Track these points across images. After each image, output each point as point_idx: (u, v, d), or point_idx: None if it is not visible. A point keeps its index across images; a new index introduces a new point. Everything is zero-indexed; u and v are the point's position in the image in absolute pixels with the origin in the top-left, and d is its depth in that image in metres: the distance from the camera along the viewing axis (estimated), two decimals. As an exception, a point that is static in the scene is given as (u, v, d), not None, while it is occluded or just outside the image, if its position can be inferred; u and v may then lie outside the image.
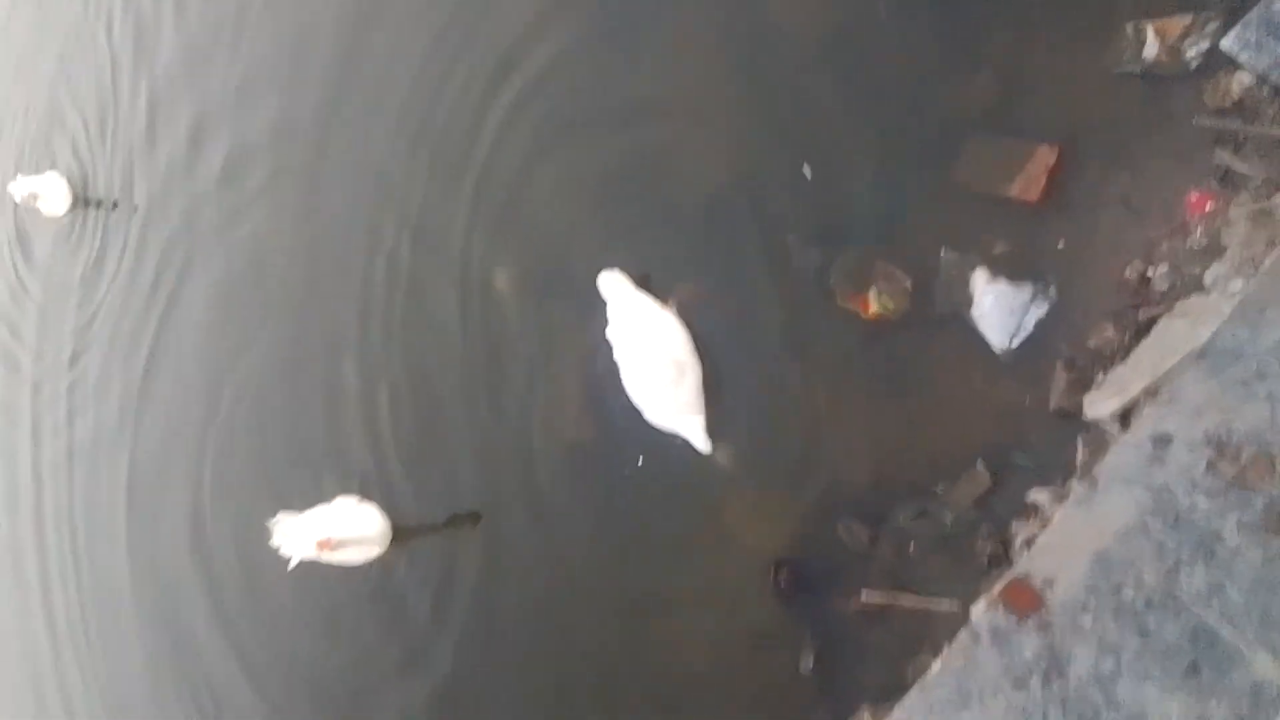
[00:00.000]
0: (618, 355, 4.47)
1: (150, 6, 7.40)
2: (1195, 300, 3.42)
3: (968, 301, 3.96)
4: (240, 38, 6.59)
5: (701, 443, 4.24)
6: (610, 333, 4.50)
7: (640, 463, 4.56)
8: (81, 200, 7.56)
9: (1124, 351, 3.61)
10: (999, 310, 3.90)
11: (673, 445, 4.37)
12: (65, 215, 7.56)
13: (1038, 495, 3.75)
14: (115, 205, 7.33)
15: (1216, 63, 3.51)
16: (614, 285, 4.47)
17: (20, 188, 7.56)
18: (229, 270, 6.53)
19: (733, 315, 4.43)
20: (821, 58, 4.33)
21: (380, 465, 5.48)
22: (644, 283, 4.54)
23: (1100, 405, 3.58)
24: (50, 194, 7.46)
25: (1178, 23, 3.59)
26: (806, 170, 4.29)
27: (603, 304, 4.59)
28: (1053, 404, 3.76)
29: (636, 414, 4.42)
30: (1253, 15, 3.40)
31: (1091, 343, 3.70)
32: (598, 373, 4.61)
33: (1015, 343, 3.87)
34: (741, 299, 4.41)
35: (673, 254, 4.62)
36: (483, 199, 5.23)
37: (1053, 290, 3.83)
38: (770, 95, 4.44)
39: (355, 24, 5.96)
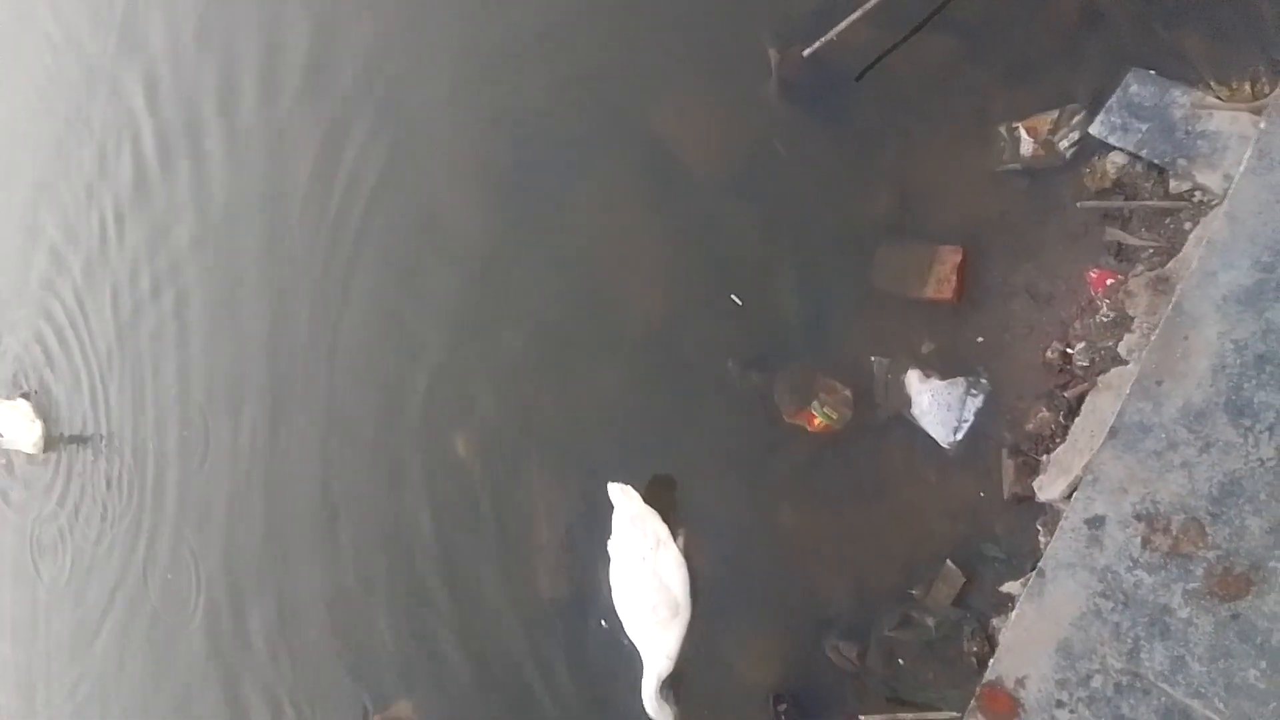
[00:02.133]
0: (615, 569, 4.43)
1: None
2: (1115, 372, 3.50)
3: (907, 402, 4.05)
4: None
5: (651, 698, 4.20)
6: (612, 544, 4.46)
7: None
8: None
9: (1061, 431, 3.67)
10: (938, 407, 3.98)
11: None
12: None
13: (1011, 586, 3.73)
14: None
15: (1090, 148, 3.71)
16: (623, 497, 4.42)
17: None
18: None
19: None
20: (732, 195, 4.55)
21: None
22: (661, 498, 4.48)
23: (1050, 488, 3.62)
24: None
25: (1045, 119, 3.80)
26: (735, 299, 4.44)
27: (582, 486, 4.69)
28: (1006, 492, 3.79)
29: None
30: (1114, 101, 3.62)
31: (1030, 426, 3.76)
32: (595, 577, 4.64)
33: (959, 435, 3.93)
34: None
35: (613, 386, 4.76)
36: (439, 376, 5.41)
37: (985, 380, 3.91)
38: (690, 235, 4.65)
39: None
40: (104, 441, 7.19)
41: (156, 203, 6.84)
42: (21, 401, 7.69)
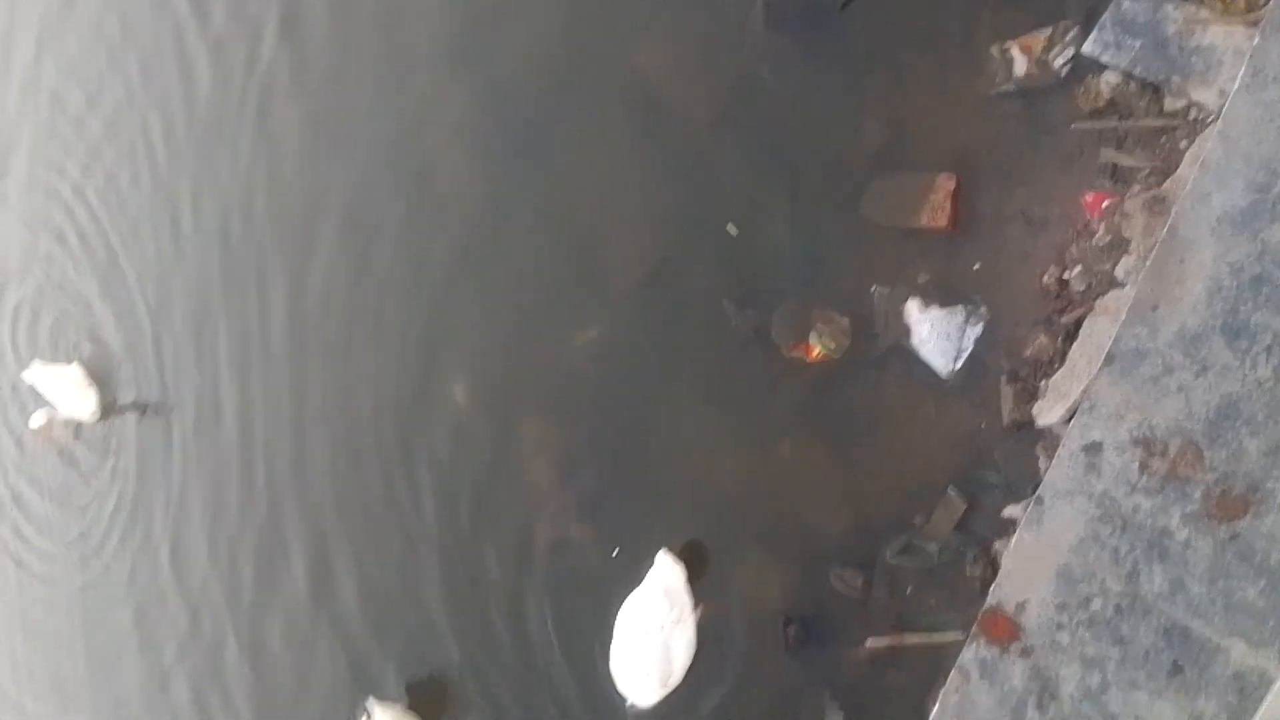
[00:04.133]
0: (626, 624, 4.45)
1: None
2: (1112, 296, 3.49)
3: (906, 332, 4.04)
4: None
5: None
6: (634, 600, 4.45)
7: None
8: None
9: (1060, 356, 3.66)
10: (937, 336, 3.97)
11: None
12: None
13: (1012, 510, 3.77)
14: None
15: (1084, 67, 3.62)
16: (669, 567, 4.39)
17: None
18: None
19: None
20: (720, 131, 4.48)
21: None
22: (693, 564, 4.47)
23: (1048, 414, 3.63)
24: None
25: (1038, 37, 3.71)
26: (731, 228, 4.41)
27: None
28: (1005, 419, 3.81)
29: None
30: (1106, 17, 3.52)
31: (1028, 353, 3.76)
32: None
33: (959, 364, 3.93)
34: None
35: (608, 332, 4.77)
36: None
37: (983, 308, 3.90)
38: (679, 174, 4.58)
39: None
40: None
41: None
42: (72, 367, 7.03)
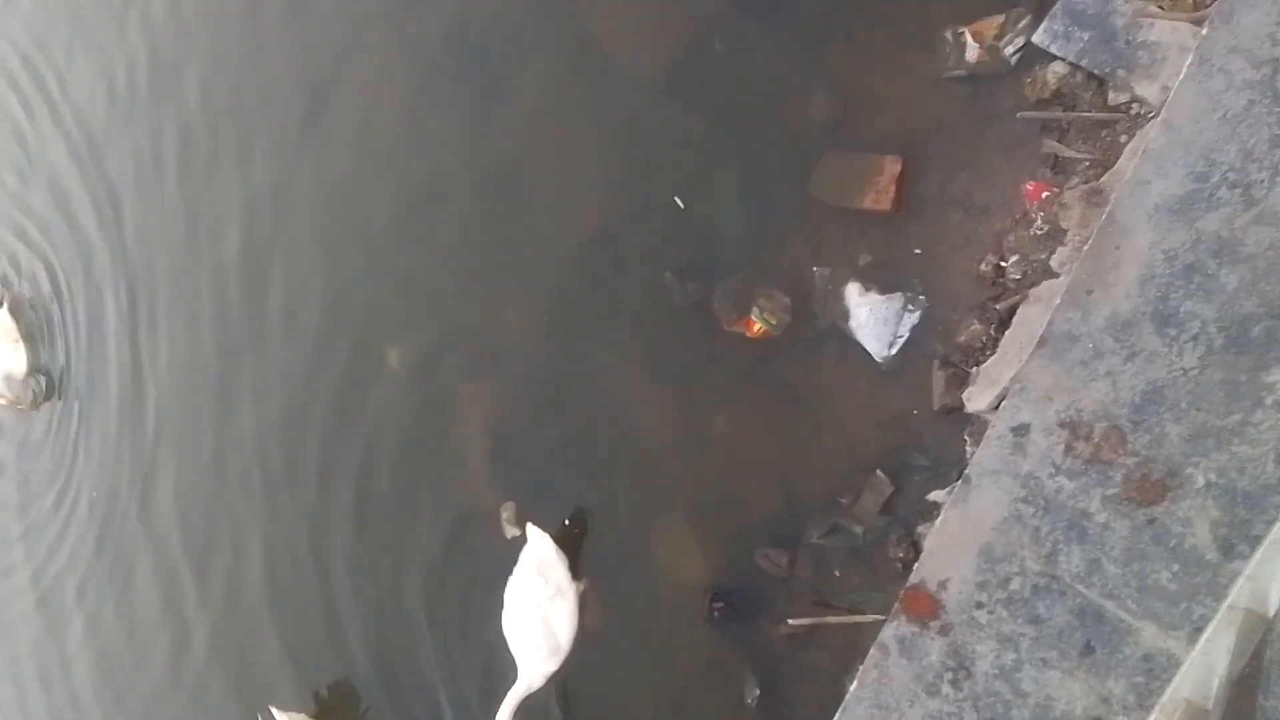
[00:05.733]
0: (510, 602, 4.47)
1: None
2: (1046, 285, 3.53)
3: (845, 314, 4.05)
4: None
5: (509, 706, 4.30)
6: (513, 581, 4.48)
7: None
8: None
9: (991, 343, 3.70)
10: (875, 320, 3.99)
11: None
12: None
13: (937, 494, 3.80)
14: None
15: (1033, 56, 3.65)
16: (539, 541, 4.45)
17: None
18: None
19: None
20: (669, 97, 4.42)
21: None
22: (570, 537, 4.54)
23: (978, 399, 3.67)
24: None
25: (992, 24, 3.73)
26: (678, 201, 4.35)
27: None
28: (936, 403, 3.84)
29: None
30: (1058, 8, 3.55)
31: (961, 339, 3.79)
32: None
33: (894, 350, 3.96)
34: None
35: (547, 297, 4.69)
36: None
37: (921, 296, 3.92)
38: (625, 140, 4.52)
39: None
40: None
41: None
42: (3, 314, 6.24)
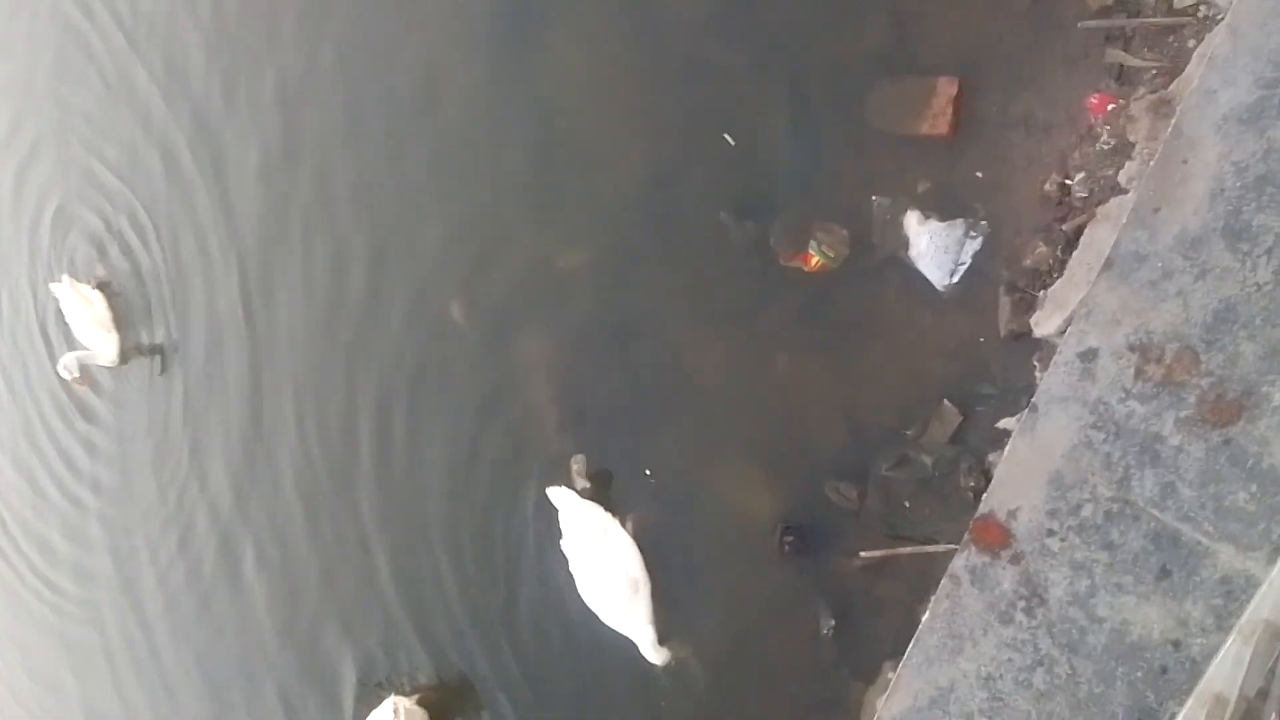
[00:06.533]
0: (574, 567, 4.52)
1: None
2: (1115, 202, 3.41)
3: (904, 244, 3.98)
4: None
5: (653, 654, 4.30)
6: (565, 545, 4.54)
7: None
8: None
9: (1059, 265, 3.61)
10: (935, 249, 3.91)
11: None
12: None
13: (1007, 422, 3.76)
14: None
15: (1093, -39, 3.47)
16: (563, 499, 4.52)
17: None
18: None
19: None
20: (718, 32, 4.34)
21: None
22: (600, 488, 4.58)
23: (1046, 323, 3.59)
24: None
25: (1048, -72, 3.56)
26: (729, 138, 4.31)
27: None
28: (1002, 330, 3.77)
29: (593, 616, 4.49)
30: (1117, -93, 3.37)
31: (1028, 262, 3.70)
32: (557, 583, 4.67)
33: (956, 278, 3.88)
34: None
35: (605, 242, 4.69)
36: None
37: (984, 222, 3.82)
38: (676, 79, 4.46)
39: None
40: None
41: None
42: (97, 294, 6.20)
